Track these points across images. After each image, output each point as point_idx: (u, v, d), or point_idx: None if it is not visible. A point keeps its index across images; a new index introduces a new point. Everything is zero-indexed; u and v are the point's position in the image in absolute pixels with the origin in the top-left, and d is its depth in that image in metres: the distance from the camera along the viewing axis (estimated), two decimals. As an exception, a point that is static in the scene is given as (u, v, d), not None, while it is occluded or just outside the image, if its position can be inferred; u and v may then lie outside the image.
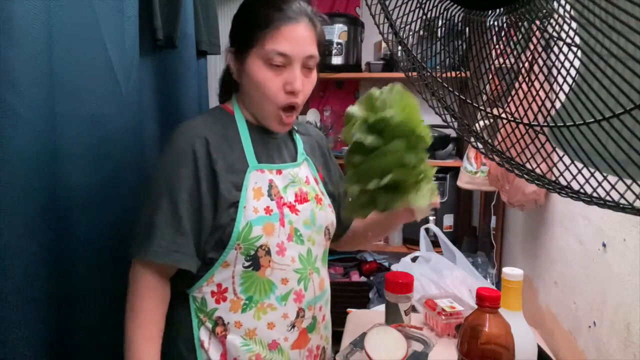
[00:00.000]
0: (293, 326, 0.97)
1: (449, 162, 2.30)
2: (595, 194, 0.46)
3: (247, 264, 0.92)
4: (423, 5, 0.56)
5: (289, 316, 0.96)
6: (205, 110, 1.51)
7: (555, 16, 0.46)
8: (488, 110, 0.56)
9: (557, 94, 0.48)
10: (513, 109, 0.54)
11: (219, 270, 0.92)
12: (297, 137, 1.08)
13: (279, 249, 0.94)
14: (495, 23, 0.54)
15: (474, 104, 0.57)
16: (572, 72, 0.46)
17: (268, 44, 0.89)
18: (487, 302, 0.80)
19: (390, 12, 0.56)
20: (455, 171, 2.19)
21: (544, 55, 0.49)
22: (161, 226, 0.88)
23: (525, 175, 0.54)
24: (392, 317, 1.13)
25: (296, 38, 0.90)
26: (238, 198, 0.91)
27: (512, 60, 0.54)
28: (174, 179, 0.89)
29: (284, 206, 0.96)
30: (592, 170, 0.46)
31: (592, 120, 0.42)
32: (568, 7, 0.42)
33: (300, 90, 0.92)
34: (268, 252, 0.92)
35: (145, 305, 0.91)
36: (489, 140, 0.58)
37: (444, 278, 1.43)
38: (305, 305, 0.98)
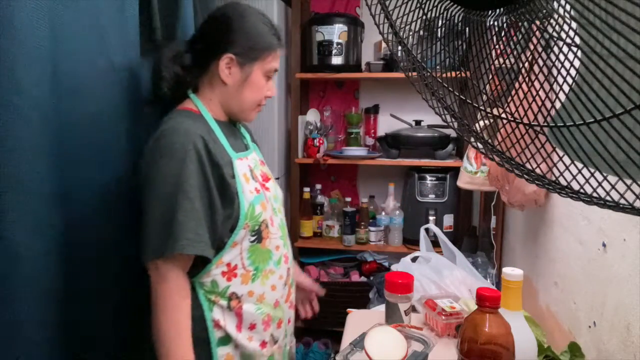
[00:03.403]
0: (285, 284, 1.16)
1: (449, 162, 2.30)
2: (595, 194, 0.46)
3: (252, 238, 1.07)
4: (423, 5, 0.56)
5: (283, 276, 1.15)
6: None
7: (555, 16, 0.46)
8: (488, 110, 0.56)
9: (557, 94, 0.48)
10: (513, 109, 0.54)
11: (228, 252, 1.04)
12: (242, 128, 1.24)
13: (270, 221, 1.11)
14: (495, 23, 0.54)
15: (474, 104, 0.57)
16: (572, 72, 0.46)
17: (271, 62, 1.11)
18: (487, 302, 0.80)
19: (390, 12, 0.56)
20: (455, 171, 2.19)
21: (544, 55, 0.49)
22: (183, 221, 0.95)
23: (525, 175, 0.54)
24: (392, 317, 1.13)
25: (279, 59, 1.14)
26: (236, 185, 1.04)
27: (512, 60, 0.54)
28: (184, 178, 0.97)
29: (262, 186, 1.12)
30: (592, 170, 0.46)
31: (592, 120, 0.42)
32: (568, 7, 0.42)
33: None
34: (267, 225, 1.09)
35: (181, 303, 0.99)
36: (489, 140, 0.58)
37: (444, 278, 1.43)
38: (290, 264, 1.18)
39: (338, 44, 2.29)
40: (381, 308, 1.27)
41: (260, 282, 1.08)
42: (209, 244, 0.99)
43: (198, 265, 1.02)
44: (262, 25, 1.10)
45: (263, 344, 1.10)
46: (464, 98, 0.58)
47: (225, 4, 1.13)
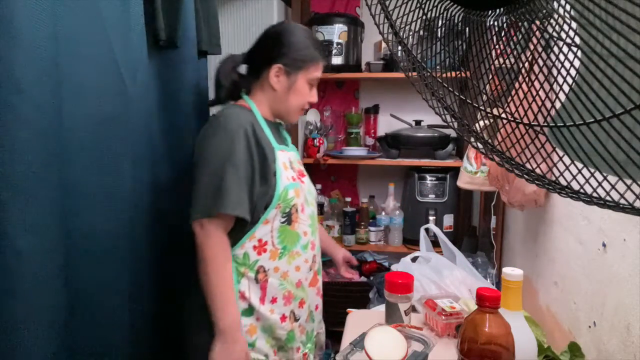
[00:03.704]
0: (310, 269, 1.30)
1: (449, 162, 2.30)
2: (595, 194, 0.46)
3: (283, 219, 1.23)
4: (423, 5, 0.56)
5: (308, 261, 1.29)
6: (206, 108, 1.55)
7: (555, 16, 0.46)
8: (488, 110, 0.56)
9: (557, 94, 0.48)
10: (513, 109, 0.54)
11: (261, 228, 1.20)
12: (284, 131, 1.42)
13: (301, 207, 1.27)
14: (495, 23, 0.54)
15: (474, 104, 0.57)
16: (572, 72, 0.46)
17: (314, 72, 1.29)
18: (487, 302, 0.80)
19: (390, 12, 0.56)
20: (455, 171, 2.18)
21: (544, 55, 0.49)
22: (229, 186, 1.14)
23: (525, 175, 0.54)
24: (392, 317, 1.13)
25: (322, 70, 1.32)
26: (275, 168, 1.22)
27: (512, 60, 0.54)
28: (232, 151, 1.15)
29: (298, 177, 1.29)
30: (592, 170, 0.46)
31: (592, 120, 0.42)
32: (568, 7, 0.42)
33: None
34: (297, 210, 1.25)
35: (222, 255, 1.16)
36: (489, 140, 0.58)
37: (444, 278, 1.43)
38: (316, 252, 1.34)
39: (338, 44, 2.29)
40: (381, 308, 1.27)
41: (287, 260, 1.24)
42: (248, 209, 1.17)
43: (236, 236, 1.19)
44: (307, 40, 1.30)
45: (283, 317, 1.24)
46: (464, 98, 0.58)
47: (278, 23, 1.37)
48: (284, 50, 1.27)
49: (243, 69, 1.36)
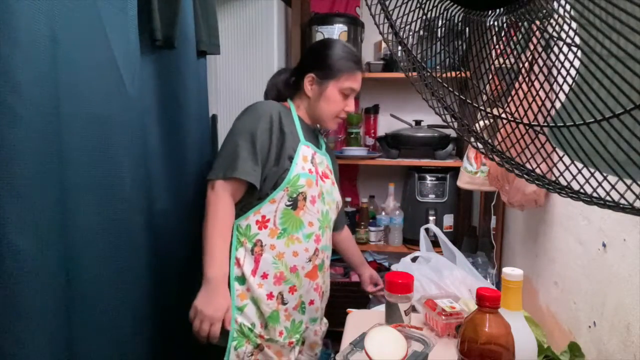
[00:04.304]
0: (309, 260, 1.36)
1: (449, 162, 2.30)
2: (595, 194, 0.46)
3: (288, 203, 1.31)
4: (423, 5, 0.55)
5: (308, 251, 1.35)
6: (206, 108, 1.59)
7: (555, 16, 0.46)
8: (488, 110, 0.56)
9: (557, 94, 0.48)
10: (513, 109, 0.54)
11: (266, 205, 1.31)
12: (322, 140, 1.55)
13: (312, 199, 1.35)
14: (495, 23, 0.54)
15: (474, 104, 0.57)
16: (572, 72, 0.46)
17: (347, 82, 1.41)
18: (487, 302, 0.80)
19: (390, 12, 0.56)
20: (455, 171, 2.18)
21: (544, 55, 0.49)
22: (244, 156, 1.26)
23: (525, 175, 0.54)
24: (392, 317, 1.13)
25: (359, 81, 1.45)
26: (293, 155, 1.33)
27: (512, 60, 0.54)
28: (255, 128, 1.29)
29: (318, 174, 1.38)
30: (592, 170, 0.46)
31: (592, 120, 0.42)
32: (568, 7, 0.42)
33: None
34: (304, 199, 1.33)
35: (223, 213, 1.27)
36: (489, 140, 0.58)
37: (444, 278, 1.43)
38: (320, 247, 1.38)
39: (338, 44, 2.28)
40: (381, 308, 1.27)
41: (285, 242, 1.31)
42: (259, 180, 1.28)
43: (243, 208, 1.31)
44: (341, 52, 1.42)
45: (270, 295, 1.31)
46: (464, 98, 0.58)
47: (321, 39, 1.56)
48: (318, 61, 1.42)
49: (291, 80, 1.52)
